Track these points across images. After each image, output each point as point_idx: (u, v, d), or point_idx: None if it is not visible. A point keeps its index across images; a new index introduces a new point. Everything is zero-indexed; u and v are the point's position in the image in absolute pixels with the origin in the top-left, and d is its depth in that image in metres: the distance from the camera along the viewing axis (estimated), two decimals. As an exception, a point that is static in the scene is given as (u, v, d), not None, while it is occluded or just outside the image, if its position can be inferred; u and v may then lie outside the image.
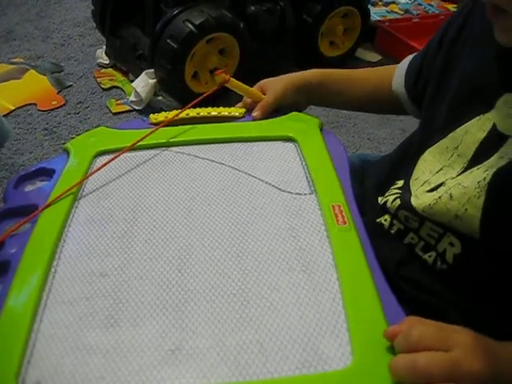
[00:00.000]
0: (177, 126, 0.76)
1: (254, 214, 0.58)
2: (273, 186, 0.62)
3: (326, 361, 0.42)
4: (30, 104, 1.69)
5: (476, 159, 0.52)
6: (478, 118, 0.54)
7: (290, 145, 0.70)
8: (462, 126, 0.55)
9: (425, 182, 0.58)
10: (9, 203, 0.64)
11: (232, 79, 0.76)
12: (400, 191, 0.61)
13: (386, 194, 0.63)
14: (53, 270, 0.53)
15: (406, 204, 0.58)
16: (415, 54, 0.73)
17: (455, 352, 0.38)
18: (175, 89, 1.63)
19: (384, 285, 0.48)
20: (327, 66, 1.93)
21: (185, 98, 1.64)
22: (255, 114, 0.73)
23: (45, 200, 0.62)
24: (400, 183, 0.62)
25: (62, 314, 0.48)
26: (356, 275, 0.49)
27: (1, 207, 0.66)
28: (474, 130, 0.53)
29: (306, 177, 0.63)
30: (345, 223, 0.54)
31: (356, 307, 0.46)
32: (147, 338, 0.45)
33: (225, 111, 0.81)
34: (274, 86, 0.75)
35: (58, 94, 1.76)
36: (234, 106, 0.83)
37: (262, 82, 0.77)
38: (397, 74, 0.74)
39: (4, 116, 1.63)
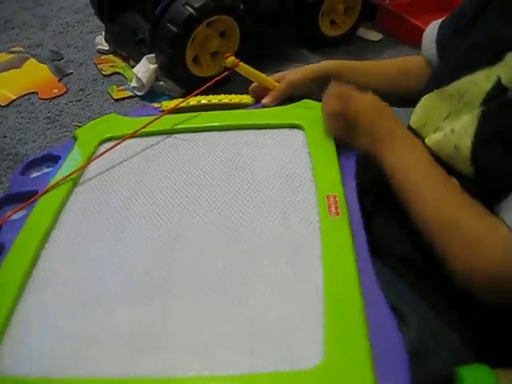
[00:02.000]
0: (186, 112, 0.76)
1: (249, 202, 0.58)
2: (272, 173, 0.62)
3: (298, 358, 0.41)
4: (31, 93, 1.68)
5: (481, 108, 0.55)
6: (484, 70, 0.56)
7: (296, 132, 0.69)
8: (468, 76, 0.58)
9: (437, 129, 0.61)
10: (12, 189, 0.65)
11: (242, 63, 0.76)
12: None
13: None
14: (42, 253, 0.53)
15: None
16: (443, 18, 0.75)
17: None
18: (176, 73, 1.62)
19: (371, 280, 0.46)
20: (328, 46, 1.93)
21: (186, 83, 1.64)
22: (265, 100, 0.74)
23: (46, 186, 0.62)
24: None
25: (44, 298, 0.48)
26: (341, 269, 0.48)
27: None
28: (481, 81, 0.56)
29: (308, 165, 0.63)
30: (337, 214, 0.53)
31: (336, 304, 0.44)
32: (123, 322, 0.45)
33: (236, 98, 0.80)
34: (291, 74, 0.76)
35: (58, 81, 1.75)
36: (234, 93, 0.83)
37: (281, 72, 0.78)
38: (426, 40, 0.76)
39: (5, 106, 1.63)
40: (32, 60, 1.86)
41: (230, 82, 1.67)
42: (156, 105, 0.83)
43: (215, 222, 0.55)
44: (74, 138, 0.73)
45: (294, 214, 0.55)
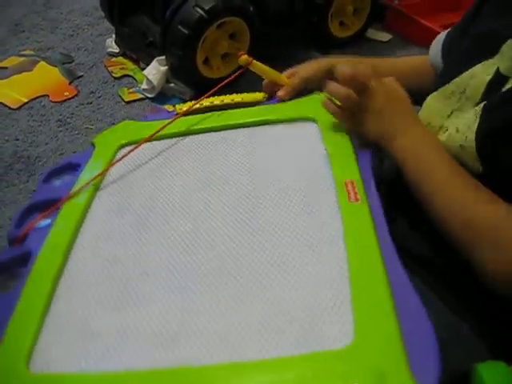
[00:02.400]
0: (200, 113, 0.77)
1: (268, 194, 0.58)
2: (289, 165, 0.62)
3: (326, 340, 0.41)
4: (42, 96, 1.69)
5: (484, 101, 0.56)
6: (482, 63, 0.58)
7: (310, 125, 0.70)
8: (468, 71, 0.59)
9: (441, 127, 0.61)
10: (36, 197, 0.66)
11: (255, 62, 0.76)
12: None
13: None
14: (69, 258, 0.55)
15: None
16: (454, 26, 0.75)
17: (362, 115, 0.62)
18: (187, 75, 1.62)
19: (396, 264, 0.46)
20: (338, 47, 1.93)
21: (196, 84, 1.64)
22: (279, 93, 0.75)
23: (68, 193, 0.63)
24: None
25: (73, 300, 0.50)
26: (364, 253, 0.48)
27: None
28: (480, 74, 0.57)
29: (323, 156, 0.63)
30: (357, 200, 0.54)
31: (362, 286, 0.45)
32: (151, 319, 0.46)
33: (248, 97, 0.81)
34: (304, 68, 0.77)
35: (69, 84, 1.76)
36: (245, 92, 0.83)
37: (293, 68, 0.78)
38: (433, 46, 0.77)
39: (17, 109, 1.64)
40: (42, 63, 1.87)
41: (238, 82, 1.68)
42: (169, 107, 0.84)
43: (237, 214, 0.56)
44: (93, 146, 0.74)
45: (314, 202, 0.55)
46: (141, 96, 1.68)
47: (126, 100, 1.67)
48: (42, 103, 1.67)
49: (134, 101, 1.68)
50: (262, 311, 0.44)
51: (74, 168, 0.71)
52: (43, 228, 0.59)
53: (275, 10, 1.75)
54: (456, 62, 0.64)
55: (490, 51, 0.58)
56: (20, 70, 1.83)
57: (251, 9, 1.59)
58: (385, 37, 2.09)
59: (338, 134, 0.66)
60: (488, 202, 0.51)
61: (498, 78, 0.56)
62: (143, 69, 1.73)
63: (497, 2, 0.62)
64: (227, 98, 0.82)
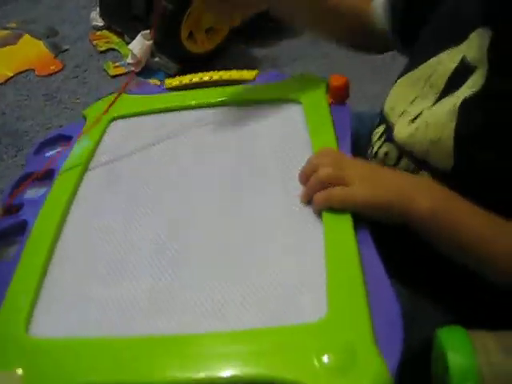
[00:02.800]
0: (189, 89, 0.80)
1: (251, 177, 0.61)
2: (273, 147, 0.65)
3: (301, 314, 0.45)
4: (28, 70, 1.70)
5: (447, 89, 0.55)
6: (449, 50, 0.56)
7: (295, 107, 0.71)
8: (435, 57, 0.58)
9: (403, 113, 0.60)
10: (28, 168, 0.68)
11: None
12: (383, 127, 0.63)
13: (374, 140, 0.65)
14: (64, 228, 0.57)
15: (389, 137, 0.60)
16: None
17: (349, 185, 0.51)
18: (172, 50, 1.64)
19: (370, 248, 0.50)
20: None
21: (181, 59, 1.66)
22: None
23: (61, 164, 0.65)
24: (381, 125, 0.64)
25: (67, 270, 0.52)
26: (341, 236, 0.50)
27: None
28: (446, 61, 0.56)
29: (306, 139, 0.65)
30: None
31: (336, 267, 0.48)
32: (142, 290, 0.49)
33: (236, 75, 0.83)
34: None
35: (55, 58, 1.77)
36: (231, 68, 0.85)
37: None
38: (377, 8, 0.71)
39: (3, 83, 1.65)
40: (27, 36, 1.87)
41: (225, 58, 1.70)
42: (155, 81, 0.85)
43: (220, 196, 0.59)
44: (84, 117, 0.75)
45: (294, 186, 0.57)
46: (126, 70, 1.70)
47: (112, 74, 1.69)
48: (28, 77, 1.68)
49: (120, 75, 1.69)
50: (244, 288, 0.48)
51: (65, 139, 0.72)
52: (37, 199, 0.62)
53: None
54: (421, 48, 0.63)
55: (458, 36, 0.56)
56: (4, 43, 1.83)
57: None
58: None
59: (322, 119, 0.67)
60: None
61: (464, 67, 0.54)
62: (128, 42, 1.74)
63: None
64: (215, 75, 0.84)
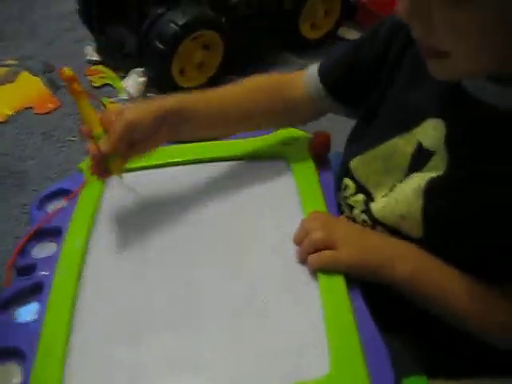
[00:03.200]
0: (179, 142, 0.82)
1: (247, 236, 0.66)
2: (265, 206, 0.70)
3: (307, 370, 0.52)
4: (26, 108, 1.77)
5: (412, 167, 0.60)
6: (402, 135, 0.61)
7: (281, 163, 0.76)
8: (390, 141, 0.62)
9: (378, 183, 0.64)
10: (33, 224, 0.71)
11: (77, 87, 0.63)
12: (362, 197, 0.67)
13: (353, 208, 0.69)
14: (80, 291, 0.61)
15: (366, 208, 0.65)
16: (325, 60, 0.73)
17: (337, 249, 0.58)
18: (164, 86, 1.70)
19: (360, 302, 0.57)
20: (309, 47, 1.99)
21: (174, 93, 1.72)
22: (103, 147, 0.60)
23: (67, 222, 0.69)
24: (351, 187, 0.68)
25: (91, 333, 0.57)
26: (336, 292, 0.58)
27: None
28: (403, 145, 0.61)
29: (296, 196, 0.70)
30: None
31: (334, 328, 0.55)
32: (162, 352, 0.55)
33: None
34: (128, 112, 0.62)
35: (52, 95, 1.82)
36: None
37: (118, 109, 0.65)
38: (310, 77, 0.72)
39: (3, 122, 1.70)
40: (25, 73, 1.93)
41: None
42: None
43: (224, 257, 0.64)
44: (81, 170, 0.79)
45: (288, 243, 0.63)
46: (121, 105, 1.76)
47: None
48: (27, 116, 1.74)
49: (115, 111, 1.74)
50: (255, 348, 0.55)
51: (65, 193, 0.76)
52: (49, 259, 0.65)
53: (247, 17, 1.82)
54: (377, 129, 0.66)
55: (410, 123, 0.60)
56: (3, 80, 1.89)
57: (223, 20, 1.66)
58: (356, 35, 2.17)
59: (307, 171, 0.73)
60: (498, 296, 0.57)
61: (422, 152, 0.58)
62: (122, 77, 1.81)
63: (411, 72, 0.62)
64: None
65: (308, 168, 0.74)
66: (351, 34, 2.17)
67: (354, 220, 0.67)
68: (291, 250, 0.63)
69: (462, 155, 0.56)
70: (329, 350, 0.53)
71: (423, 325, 0.60)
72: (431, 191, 0.57)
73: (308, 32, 2.02)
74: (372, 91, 0.67)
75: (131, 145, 0.63)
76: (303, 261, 0.61)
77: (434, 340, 0.61)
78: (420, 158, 0.59)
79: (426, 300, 0.58)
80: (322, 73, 0.72)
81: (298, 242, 0.62)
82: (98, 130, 0.61)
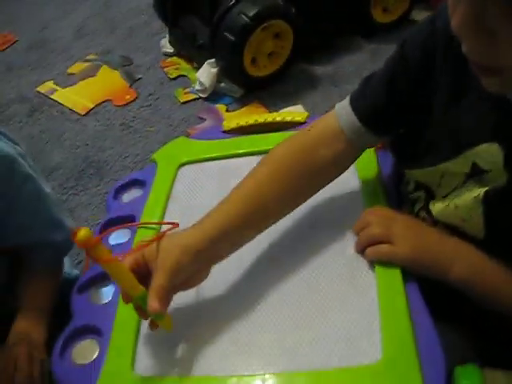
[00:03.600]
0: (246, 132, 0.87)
1: (310, 227, 0.69)
2: (327, 197, 0.72)
3: (361, 356, 0.55)
4: (106, 100, 1.86)
5: (469, 176, 0.58)
6: (456, 159, 0.58)
7: None
8: (443, 164, 0.60)
9: (439, 185, 0.63)
10: (111, 214, 0.78)
11: (101, 248, 0.51)
12: (423, 193, 0.67)
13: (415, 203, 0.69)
14: None
15: (426, 205, 0.65)
16: (362, 103, 0.66)
17: (394, 244, 0.61)
18: (236, 75, 1.74)
19: (416, 293, 0.59)
20: (382, 32, 1.96)
21: (245, 83, 1.76)
22: (152, 306, 0.53)
23: (140, 210, 0.75)
24: (412, 183, 0.68)
25: None
26: (392, 283, 0.60)
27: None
28: (457, 167, 0.59)
29: (358, 187, 0.73)
30: None
31: (388, 315, 0.57)
32: (226, 333, 0.59)
33: (288, 116, 0.91)
34: (163, 260, 0.56)
35: (129, 87, 1.91)
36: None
37: (144, 251, 0.58)
38: (340, 117, 0.66)
39: (85, 114, 1.80)
40: (105, 67, 2.03)
41: (287, 79, 1.78)
42: (220, 106, 0.89)
43: (285, 247, 0.67)
44: (154, 162, 0.85)
45: (349, 234, 0.66)
46: (195, 96, 1.81)
47: (182, 101, 1.80)
48: (107, 108, 1.83)
49: (189, 101, 1.81)
50: (312, 332, 0.58)
51: (139, 184, 0.82)
52: (124, 243, 0.71)
53: (317, 6, 1.81)
54: (426, 151, 0.63)
55: (462, 147, 0.57)
56: (85, 75, 2.00)
57: (293, 10, 1.67)
58: (430, 17, 2.11)
59: (369, 163, 0.75)
60: None
61: (478, 170, 0.57)
62: (196, 68, 1.86)
63: (476, 101, 0.57)
64: (269, 117, 0.92)
65: (370, 159, 0.76)
66: (424, 16, 2.11)
67: (416, 215, 0.67)
68: (351, 242, 0.66)
69: None
70: (382, 337, 0.55)
71: (480, 317, 0.60)
72: (492, 201, 0.57)
73: (380, 16, 1.99)
74: (412, 114, 0.64)
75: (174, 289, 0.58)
76: (360, 251, 0.64)
77: (490, 333, 0.62)
78: (477, 172, 0.58)
79: (481, 300, 0.59)
80: (361, 117, 0.65)
81: (357, 232, 0.65)
82: (137, 291, 0.55)
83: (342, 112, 0.66)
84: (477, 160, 0.57)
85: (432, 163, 0.62)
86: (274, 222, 0.65)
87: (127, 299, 0.57)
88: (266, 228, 0.65)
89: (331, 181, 0.69)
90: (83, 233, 0.47)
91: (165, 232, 0.59)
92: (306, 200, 0.68)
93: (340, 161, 0.68)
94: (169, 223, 0.64)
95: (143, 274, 0.56)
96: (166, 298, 0.55)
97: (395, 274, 0.60)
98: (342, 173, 0.69)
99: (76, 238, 0.47)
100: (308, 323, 0.59)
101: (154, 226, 0.72)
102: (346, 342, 0.56)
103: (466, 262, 0.59)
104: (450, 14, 0.44)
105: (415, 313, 0.57)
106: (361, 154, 0.69)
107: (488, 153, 0.55)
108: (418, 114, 0.63)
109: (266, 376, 0.54)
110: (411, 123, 0.65)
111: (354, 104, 0.66)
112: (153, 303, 0.53)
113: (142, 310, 0.56)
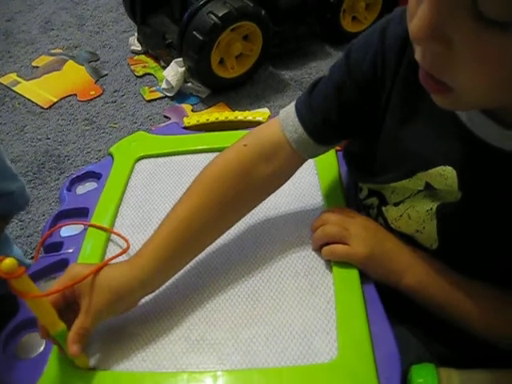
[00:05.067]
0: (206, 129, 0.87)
1: (268, 223, 0.69)
2: (287, 195, 0.72)
3: (317, 354, 0.54)
4: (70, 95, 1.82)
5: (419, 192, 0.58)
6: (408, 179, 0.57)
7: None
8: (396, 183, 0.59)
9: (393, 192, 0.62)
10: (64, 205, 0.77)
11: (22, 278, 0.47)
12: (376, 199, 0.66)
13: (368, 200, 0.69)
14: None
15: (380, 212, 0.65)
16: (308, 113, 0.62)
17: (349, 244, 0.60)
18: (203, 76, 1.73)
19: (372, 292, 0.59)
20: (351, 40, 1.98)
21: (212, 84, 1.75)
22: (71, 350, 0.52)
23: (94, 202, 0.74)
24: (365, 189, 0.68)
25: None
26: (348, 282, 0.60)
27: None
28: (411, 186, 0.58)
29: (318, 188, 0.73)
30: None
31: (345, 313, 0.57)
32: (178, 329, 0.58)
33: (250, 115, 0.90)
34: (90, 302, 0.53)
35: (95, 83, 1.88)
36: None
37: (73, 273, 0.55)
38: (285, 128, 0.63)
39: (48, 108, 1.77)
40: (71, 62, 2.00)
41: (254, 82, 1.78)
42: (186, 106, 0.90)
43: (242, 242, 0.67)
44: (111, 155, 0.84)
45: (307, 232, 0.66)
46: (161, 95, 1.80)
47: (147, 99, 1.79)
48: (71, 102, 1.80)
49: (155, 99, 1.79)
50: (267, 329, 0.57)
51: (94, 176, 0.81)
52: (76, 237, 0.70)
53: (287, 9, 1.82)
54: (379, 167, 0.62)
55: (415, 168, 0.56)
56: (50, 69, 1.96)
57: (263, 12, 1.67)
58: (397, 29, 2.14)
59: (330, 166, 0.76)
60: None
61: (431, 189, 0.56)
62: (163, 67, 1.85)
63: (402, 101, 0.56)
64: (231, 115, 0.92)
65: (331, 161, 0.76)
66: (394, 28, 2.14)
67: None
68: (309, 239, 0.65)
69: (478, 192, 0.53)
70: (337, 335, 0.55)
71: (434, 319, 0.60)
72: (445, 215, 0.57)
73: (349, 25, 2.01)
74: (361, 126, 0.62)
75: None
76: (315, 249, 0.64)
77: (445, 333, 0.62)
78: (431, 190, 0.57)
79: (431, 309, 0.59)
80: (309, 130, 0.62)
81: (314, 230, 0.65)
82: (57, 328, 0.52)
83: (287, 122, 0.63)
84: (431, 181, 0.56)
85: (385, 181, 0.61)
86: (211, 243, 0.63)
87: (44, 335, 0.53)
88: (201, 251, 0.63)
89: (270, 194, 0.66)
90: (8, 262, 0.44)
91: (100, 266, 0.56)
92: (243, 217, 0.65)
93: (282, 173, 0.65)
94: (120, 237, 0.66)
95: (69, 302, 0.55)
96: (85, 339, 0.53)
97: (352, 273, 0.60)
98: (283, 183, 0.66)
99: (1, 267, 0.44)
100: (263, 320, 0.58)
101: (104, 224, 0.71)
102: (302, 339, 0.55)
103: (417, 275, 0.59)
104: (408, 19, 0.41)
105: (371, 312, 0.57)
106: (303, 162, 0.66)
107: (442, 176, 0.54)
108: (367, 126, 0.61)
109: (218, 373, 0.53)
110: (361, 137, 0.64)
111: (300, 115, 0.62)
112: (72, 347, 0.52)
113: (60, 346, 0.54)
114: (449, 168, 0.53)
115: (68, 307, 0.55)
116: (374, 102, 0.59)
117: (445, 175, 0.54)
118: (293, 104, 0.64)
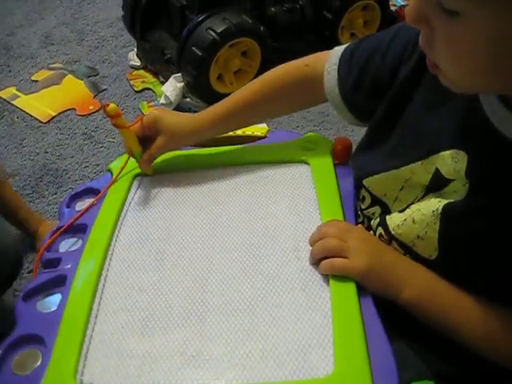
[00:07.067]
0: (204, 146, 0.85)
1: (265, 237, 0.69)
2: (284, 209, 0.72)
3: (313, 369, 0.54)
4: (69, 109, 1.83)
5: (429, 190, 0.60)
6: (419, 162, 0.60)
7: (303, 167, 0.78)
8: (407, 167, 0.61)
9: (396, 198, 0.64)
10: (62, 222, 0.76)
11: (122, 120, 0.75)
12: (379, 208, 0.67)
13: (369, 210, 0.69)
14: (100, 284, 0.65)
15: (382, 221, 0.65)
16: (344, 52, 0.75)
17: (348, 258, 0.60)
18: (202, 91, 1.74)
19: (370, 307, 0.58)
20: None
21: (211, 99, 1.75)
22: (143, 165, 0.78)
23: (93, 219, 0.73)
24: (367, 199, 0.69)
25: (108, 324, 0.60)
26: (346, 296, 0.59)
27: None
28: (419, 171, 0.60)
29: (314, 199, 0.73)
30: None
31: (342, 328, 0.57)
32: (174, 345, 0.58)
33: (249, 130, 0.90)
34: (157, 134, 0.76)
35: (94, 98, 1.89)
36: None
37: (156, 115, 0.79)
38: (328, 76, 0.74)
39: (46, 122, 1.77)
40: (70, 76, 2.01)
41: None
42: None
43: (238, 256, 0.66)
44: (110, 171, 0.83)
45: (304, 246, 0.66)
46: (160, 110, 1.80)
47: (146, 114, 1.78)
48: (69, 117, 1.80)
49: (154, 114, 1.79)
50: (263, 343, 0.56)
51: (93, 192, 0.80)
52: (74, 254, 0.69)
53: (286, 26, 1.84)
54: (391, 148, 0.65)
55: (429, 150, 0.59)
56: (49, 83, 1.97)
57: (261, 28, 1.69)
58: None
59: (328, 179, 0.75)
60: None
61: (439, 178, 0.58)
62: (163, 82, 1.86)
63: (431, 89, 0.59)
64: None
65: (329, 174, 0.76)
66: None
67: (372, 230, 0.68)
68: (306, 253, 0.65)
69: (484, 184, 0.55)
70: (334, 350, 0.55)
71: (434, 334, 0.60)
72: (449, 216, 0.57)
73: (347, 42, 2.02)
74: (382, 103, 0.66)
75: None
76: (313, 263, 0.63)
77: (445, 349, 0.61)
78: (438, 182, 0.58)
79: (430, 323, 0.59)
80: (341, 90, 0.72)
81: (312, 244, 0.64)
82: (136, 149, 0.77)
83: (330, 69, 0.74)
84: (440, 166, 0.57)
85: (396, 166, 0.62)
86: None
87: (129, 153, 0.78)
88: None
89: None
90: (112, 106, 0.70)
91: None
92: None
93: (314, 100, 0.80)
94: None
95: (147, 135, 0.77)
96: (152, 160, 0.78)
97: (350, 287, 0.60)
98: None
99: (106, 109, 0.70)
100: (259, 334, 0.57)
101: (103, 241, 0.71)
102: (298, 354, 0.55)
103: (416, 288, 0.59)
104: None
105: (369, 327, 0.57)
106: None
107: (454, 159, 0.56)
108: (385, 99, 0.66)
109: None
110: (382, 112, 0.67)
111: (340, 69, 0.72)
112: (143, 163, 0.78)
113: (137, 160, 0.78)
114: (462, 152, 0.55)
115: (146, 139, 0.77)
116: (400, 81, 0.64)
117: (456, 158, 0.56)
118: (342, 49, 0.76)
